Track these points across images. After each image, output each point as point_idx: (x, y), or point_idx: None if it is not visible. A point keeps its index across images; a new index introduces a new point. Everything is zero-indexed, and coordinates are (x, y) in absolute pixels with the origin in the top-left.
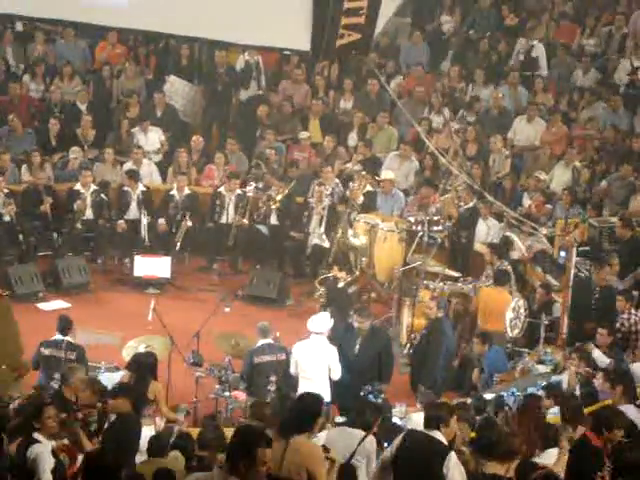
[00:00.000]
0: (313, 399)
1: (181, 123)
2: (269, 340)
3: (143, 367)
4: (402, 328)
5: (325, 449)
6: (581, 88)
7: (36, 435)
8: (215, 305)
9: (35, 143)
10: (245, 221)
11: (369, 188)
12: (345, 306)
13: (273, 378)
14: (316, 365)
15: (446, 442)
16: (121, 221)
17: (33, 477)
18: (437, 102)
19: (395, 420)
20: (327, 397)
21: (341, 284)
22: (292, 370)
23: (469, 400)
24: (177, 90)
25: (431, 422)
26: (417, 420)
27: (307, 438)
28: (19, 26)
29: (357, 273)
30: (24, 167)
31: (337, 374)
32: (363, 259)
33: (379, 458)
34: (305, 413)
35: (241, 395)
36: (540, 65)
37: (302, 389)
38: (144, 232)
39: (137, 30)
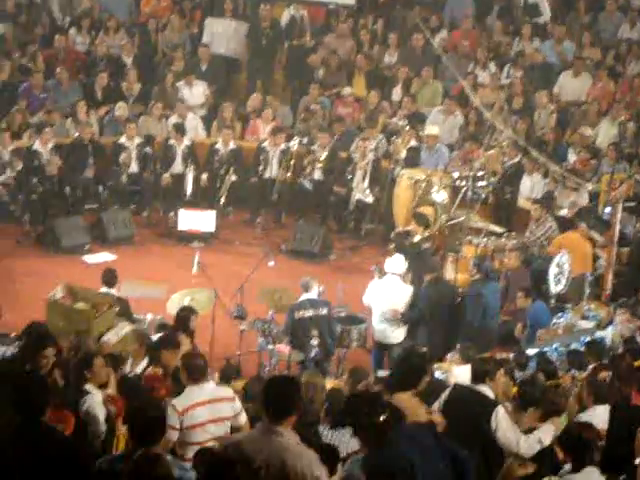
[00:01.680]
0: (419, 357)
1: (226, 77)
2: (311, 295)
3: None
4: None
5: (428, 411)
6: (629, 41)
7: (87, 386)
8: (259, 259)
9: (81, 96)
10: (289, 175)
11: (413, 143)
12: (416, 261)
13: (315, 332)
14: (392, 305)
15: (493, 396)
16: (166, 175)
17: (86, 427)
18: (482, 57)
19: (437, 375)
20: (402, 337)
21: (416, 239)
22: (364, 299)
23: (511, 355)
24: (217, 32)
25: (478, 376)
26: (458, 373)
27: (410, 396)
28: None
29: (435, 230)
30: (69, 120)
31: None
32: (443, 216)
33: None
34: (411, 371)
35: (284, 348)
36: (541, 11)
37: (381, 332)
38: (189, 186)
39: None
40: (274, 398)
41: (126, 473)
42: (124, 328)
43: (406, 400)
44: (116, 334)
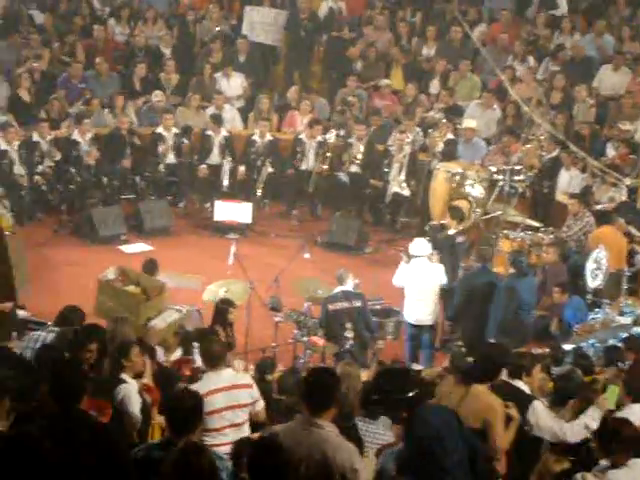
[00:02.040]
0: (500, 350)
1: (263, 68)
2: (345, 287)
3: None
4: None
5: (506, 404)
6: None
7: (123, 375)
8: (294, 251)
9: (119, 87)
10: (325, 168)
11: (450, 136)
12: (449, 255)
13: (349, 325)
14: (423, 287)
15: (529, 391)
16: (203, 166)
17: (121, 416)
18: (521, 50)
19: None
20: (430, 318)
21: (451, 232)
22: (395, 281)
23: (547, 350)
24: (256, 20)
25: (514, 371)
26: None
27: (486, 388)
28: None
29: (469, 224)
30: (107, 111)
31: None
32: (478, 210)
33: None
34: (490, 363)
35: (319, 340)
36: (558, 3)
37: (414, 312)
38: (225, 177)
39: None
40: (314, 390)
41: (170, 462)
42: (172, 315)
43: (482, 392)
44: (164, 320)
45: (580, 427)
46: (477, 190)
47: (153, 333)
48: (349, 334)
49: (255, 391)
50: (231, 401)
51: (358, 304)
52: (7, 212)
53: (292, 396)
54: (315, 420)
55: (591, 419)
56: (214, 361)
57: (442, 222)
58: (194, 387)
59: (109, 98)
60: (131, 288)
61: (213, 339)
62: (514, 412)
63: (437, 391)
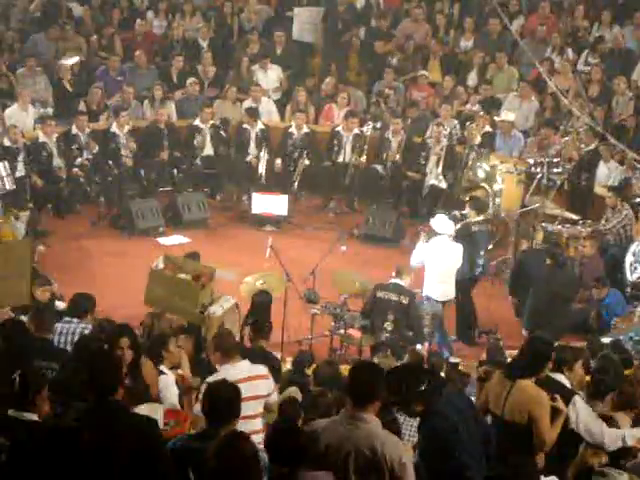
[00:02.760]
0: (546, 344)
1: (300, 60)
2: (400, 281)
3: (258, 307)
4: None
5: (553, 397)
6: None
7: (161, 367)
8: (331, 243)
9: (157, 80)
10: (362, 160)
11: (488, 128)
12: (468, 244)
13: (391, 317)
14: (449, 265)
15: (570, 385)
16: (240, 158)
17: None
18: (559, 42)
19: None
20: (453, 294)
21: (469, 220)
22: (413, 263)
23: (586, 343)
24: (305, 21)
25: (556, 365)
26: None
27: (533, 382)
28: None
29: (489, 215)
30: (146, 102)
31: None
32: (497, 200)
33: None
34: (537, 357)
35: (356, 333)
36: None
37: (438, 290)
38: (262, 169)
39: None
40: (359, 384)
41: (214, 452)
42: (228, 301)
43: (529, 386)
44: (221, 307)
45: (618, 437)
46: (498, 183)
47: (213, 320)
48: (389, 326)
49: (272, 382)
50: (250, 392)
51: (405, 301)
52: (22, 225)
53: (328, 388)
54: (360, 414)
55: (631, 437)
56: (230, 353)
57: (462, 212)
58: (211, 379)
59: (147, 90)
60: (183, 275)
61: (224, 332)
62: (561, 405)
63: (485, 386)
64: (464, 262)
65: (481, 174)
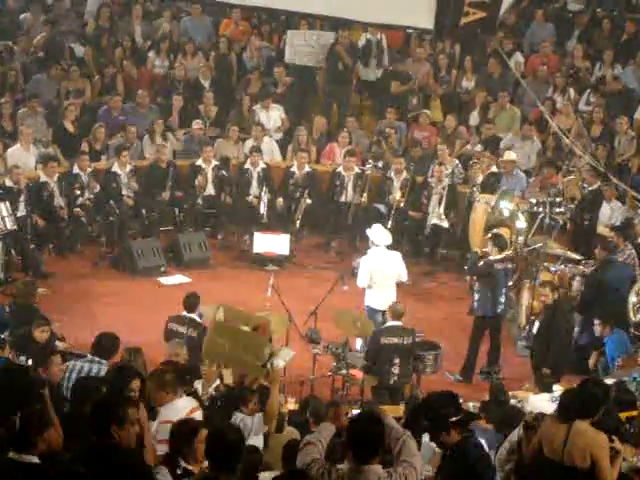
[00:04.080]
0: (599, 386)
1: (301, 100)
2: (399, 322)
3: None
4: (521, 310)
5: (610, 438)
6: None
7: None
8: (333, 283)
9: (158, 119)
10: (363, 200)
11: (494, 169)
12: (487, 282)
13: (397, 360)
14: (389, 273)
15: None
16: (241, 198)
17: None
18: (561, 82)
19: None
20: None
21: (491, 258)
22: (361, 283)
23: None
24: (298, 44)
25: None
26: (535, 402)
27: (589, 424)
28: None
29: (509, 252)
30: (146, 139)
31: (405, 276)
32: (520, 238)
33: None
34: (591, 401)
35: (358, 373)
36: None
37: (379, 299)
38: (264, 209)
39: (261, 7)
40: (360, 440)
41: None
42: (289, 354)
43: (587, 428)
44: (283, 359)
45: None
46: (521, 221)
47: (277, 373)
48: (395, 370)
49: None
50: None
51: (409, 342)
52: None
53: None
54: (362, 468)
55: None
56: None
57: (484, 249)
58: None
59: (148, 130)
60: (245, 328)
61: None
62: (619, 445)
63: (539, 431)
64: (486, 301)
65: (506, 213)
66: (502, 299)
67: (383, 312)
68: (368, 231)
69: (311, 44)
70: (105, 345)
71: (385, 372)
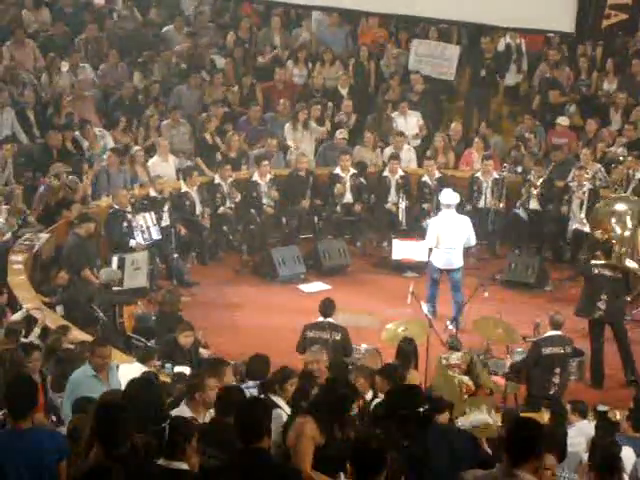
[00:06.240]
0: None
1: (438, 106)
2: (559, 332)
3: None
4: None
5: None
6: None
7: (275, 398)
8: (473, 289)
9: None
10: (502, 205)
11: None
12: (588, 285)
13: (557, 370)
14: (457, 235)
15: None
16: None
17: None
18: None
19: None
20: (458, 263)
21: (592, 262)
22: (430, 243)
23: None
24: (422, 53)
25: None
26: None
27: None
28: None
29: (614, 260)
30: (288, 151)
31: (473, 240)
32: (623, 248)
33: None
34: None
35: (500, 380)
36: None
37: (442, 259)
38: (402, 216)
39: (398, 15)
40: (516, 441)
41: None
42: (485, 419)
43: None
44: (470, 422)
45: None
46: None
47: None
48: (556, 380)
49: None
50: None
51: (569, 350)
52: None
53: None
54: (515, 471)
55: None
56: None
57: (595, 253)
58: None
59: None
60: (464, 378)
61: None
62: None
63: None
64: (583, 303)
65: (626, 218)
66: (601, 305)
67: (441, 271)
68: (440, 195)
69: (436, 54)
70: (258, 369)
71: (545, 382)
